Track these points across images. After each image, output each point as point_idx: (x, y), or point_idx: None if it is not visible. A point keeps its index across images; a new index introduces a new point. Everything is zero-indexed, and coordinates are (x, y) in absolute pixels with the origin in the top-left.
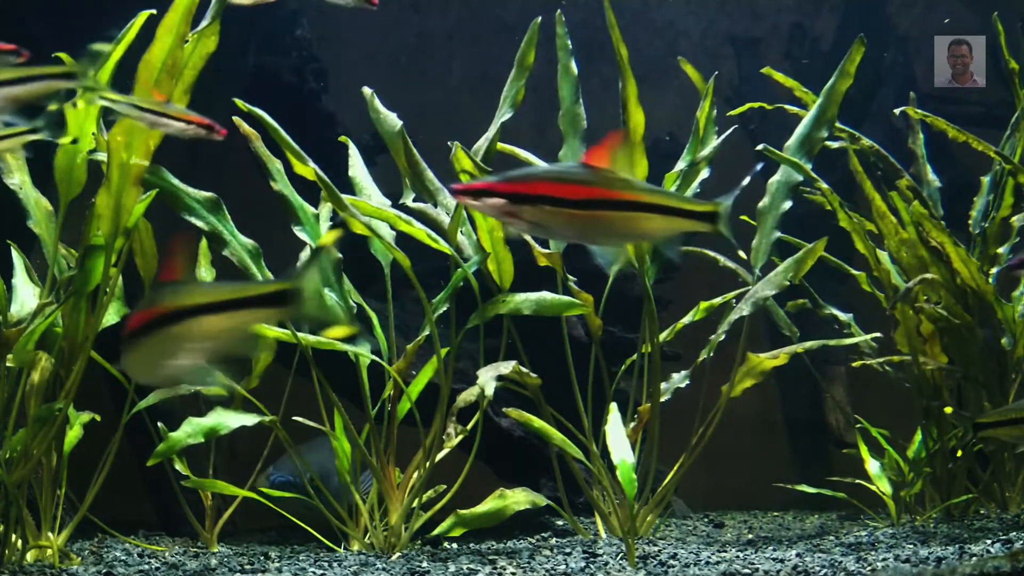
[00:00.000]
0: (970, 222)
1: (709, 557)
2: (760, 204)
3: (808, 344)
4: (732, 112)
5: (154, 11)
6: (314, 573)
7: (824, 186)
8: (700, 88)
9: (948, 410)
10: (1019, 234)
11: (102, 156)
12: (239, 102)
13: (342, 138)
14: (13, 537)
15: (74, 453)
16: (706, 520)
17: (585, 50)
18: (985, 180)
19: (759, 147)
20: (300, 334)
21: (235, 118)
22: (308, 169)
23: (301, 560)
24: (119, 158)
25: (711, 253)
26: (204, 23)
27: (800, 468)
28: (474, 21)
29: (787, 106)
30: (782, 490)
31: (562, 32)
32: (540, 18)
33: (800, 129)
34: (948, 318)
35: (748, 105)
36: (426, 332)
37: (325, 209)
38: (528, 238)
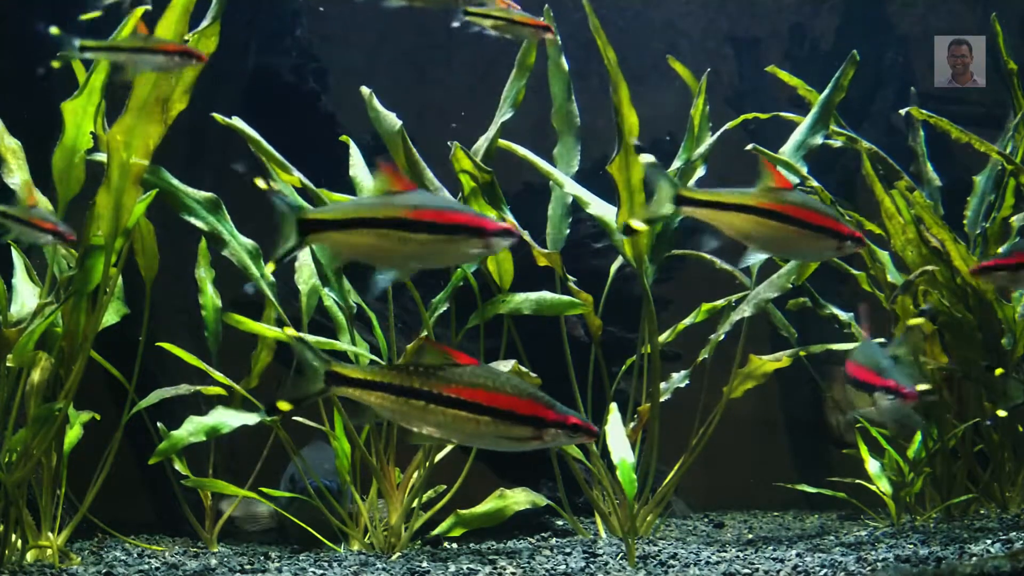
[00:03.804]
0: (965, 222)
1: (709, 557)
2: None
3: (813, 347)
4: (730, 124)
5: (149, 7)
6: (314, 573)
7: (815, 184)
8: (692, 87)
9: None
10: (1019, 234)
11: (101, 156)
12: (218, 116)
13: (343, 138)
14: (13, 537)
15: (74, 453)
16: (706, 520)
17: (585, 49)
18: (978, 180)
19: (748, 147)
20: (300, 334)
21: (234, 118)
22: (293, 178)
23: (301, 560)
24: (119, 158)
25: (708, 256)
26: (204, 23)
27: (800, 468)
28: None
29: (783, 114)
30: (782, 490)
31: (552, 28)
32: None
33: (796, 135)
34: (950, 310)
35: (743, 117)
36: (424, 334)
37: None
38: (527, 237)
